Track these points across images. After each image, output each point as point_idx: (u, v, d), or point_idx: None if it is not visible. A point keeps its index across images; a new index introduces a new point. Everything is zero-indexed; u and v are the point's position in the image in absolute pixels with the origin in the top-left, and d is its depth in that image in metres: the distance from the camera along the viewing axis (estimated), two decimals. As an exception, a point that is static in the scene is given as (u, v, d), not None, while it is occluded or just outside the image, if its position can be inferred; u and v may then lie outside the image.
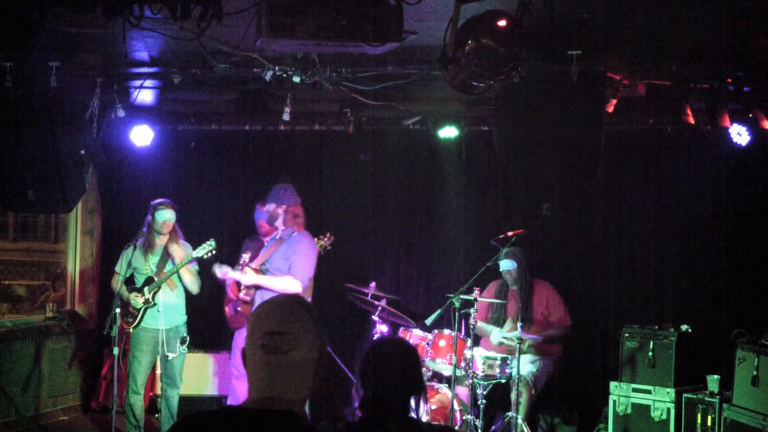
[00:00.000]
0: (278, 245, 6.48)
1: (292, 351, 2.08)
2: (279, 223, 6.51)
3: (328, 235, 7.15)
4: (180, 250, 6.69)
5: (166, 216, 6.64)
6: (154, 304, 6.61)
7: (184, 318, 6.76)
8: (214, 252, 6.61)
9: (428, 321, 6.61)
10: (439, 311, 6.57)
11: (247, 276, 6.43)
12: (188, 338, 6.68)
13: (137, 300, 6.59)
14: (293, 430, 2.07)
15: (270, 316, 2.12)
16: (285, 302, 2.16)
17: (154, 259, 6.71)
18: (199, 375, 7.66)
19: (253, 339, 2.10)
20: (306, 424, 2.12)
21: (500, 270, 7.05)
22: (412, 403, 3.15)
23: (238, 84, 6.76)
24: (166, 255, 6.71)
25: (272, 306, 2.15)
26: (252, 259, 6.70)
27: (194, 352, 7.56)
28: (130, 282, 6.76)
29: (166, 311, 6.64)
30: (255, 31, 4.43)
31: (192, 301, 6.94)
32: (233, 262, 7.57)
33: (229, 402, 7.23)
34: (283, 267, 6.37)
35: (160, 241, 6.70)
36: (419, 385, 3.18)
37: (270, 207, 6.48)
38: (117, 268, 6.79)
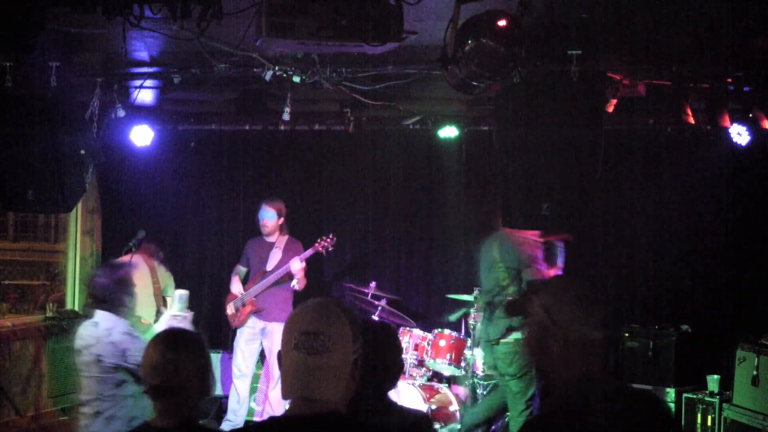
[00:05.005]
0: None
1: (327, 352, 2.06)
2: None
3: (330, 236, 7.15)
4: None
5: None
6: None
7: None
8: None
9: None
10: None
11: None
12: None
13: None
14: (341, 429, 2.07)
15: (306, 317, 2.11)
16: (322, 303, 2.15)
17: None
18: (199, 375, 7.66)
19: (289, 339, 2.10)
20: (352, 421, 2.12)
21: None
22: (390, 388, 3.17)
23: (238, 84, 6.75)
24: None
25: (309, 307, 2.15)
26: (261, 262, 7.00)
27: (194, 352, 7.58)
28: None
29: None
30: (255, 31, 4.43)
31: (192, 302, 6.97)
32: (233, 262, 7.58)
33: (229, 402, 7.23)
34: None
35: None
36: (398, 370, 3.17)
37: None
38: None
